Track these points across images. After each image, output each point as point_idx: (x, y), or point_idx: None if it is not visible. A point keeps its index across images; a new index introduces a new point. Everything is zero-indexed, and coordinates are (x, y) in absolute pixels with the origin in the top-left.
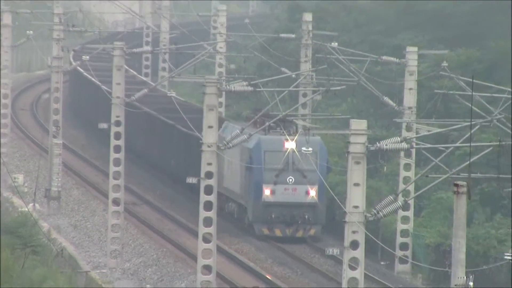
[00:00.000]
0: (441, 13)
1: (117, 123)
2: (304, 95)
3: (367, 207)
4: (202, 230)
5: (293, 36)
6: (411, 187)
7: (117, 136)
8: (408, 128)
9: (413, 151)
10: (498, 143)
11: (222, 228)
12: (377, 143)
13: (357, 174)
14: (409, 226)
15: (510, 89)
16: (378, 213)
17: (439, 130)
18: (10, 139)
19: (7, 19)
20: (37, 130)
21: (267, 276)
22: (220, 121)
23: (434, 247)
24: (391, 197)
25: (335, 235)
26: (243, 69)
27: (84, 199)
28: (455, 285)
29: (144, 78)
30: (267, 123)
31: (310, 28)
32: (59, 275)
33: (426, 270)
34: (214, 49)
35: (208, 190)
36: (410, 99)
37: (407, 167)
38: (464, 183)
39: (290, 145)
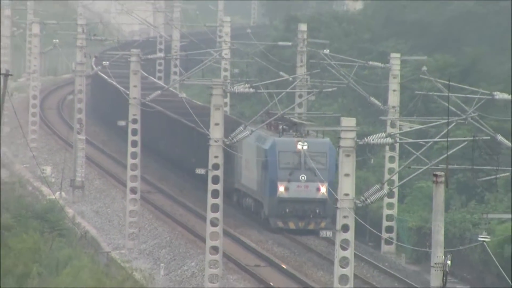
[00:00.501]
0: (421, 23)
1: (134, 121)
2: (300, 96)
3: (356, 194)
4: (210, 215)
5: (290, 44)
6: (395, 177)
7: (134, 132)
8: (392, 125)
9: (397, 145)
10: (472, 138)
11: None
12: (365, 138)
13: (347, 165)
14: (394, 212)
15: (482, 90)
16: (366, 200)
17: (419, 126)
18: (39, 135)
19: (35, 29)
20: (63, 127)
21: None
22: (235, 123)
23: (416, 230)
24: (378, 186)
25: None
26: (245, 73)
27: (105, 188)
28: (435, 263)
29: (158, 81)
30: (280, 126)
31: (305, 37)
32: (83, 255)
33: (409, 250)
34: (220, 55)
35: (215, 179)
36: (394, 99)
37: (391, 159)
38: (442, 173)
39: (301, 146)
